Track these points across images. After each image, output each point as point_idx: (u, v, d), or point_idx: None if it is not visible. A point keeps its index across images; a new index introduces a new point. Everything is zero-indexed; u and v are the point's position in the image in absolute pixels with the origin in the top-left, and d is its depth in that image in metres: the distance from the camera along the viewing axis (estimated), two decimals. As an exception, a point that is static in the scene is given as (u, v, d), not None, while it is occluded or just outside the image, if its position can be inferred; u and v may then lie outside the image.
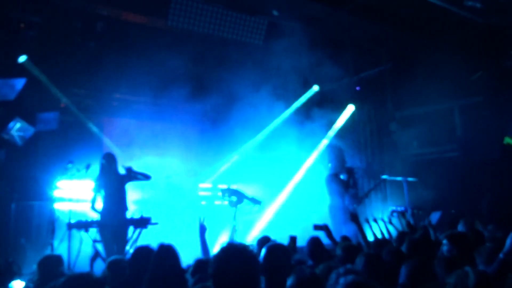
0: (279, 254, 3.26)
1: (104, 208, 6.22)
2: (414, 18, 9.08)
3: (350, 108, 10.50)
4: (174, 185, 8.75)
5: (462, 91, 9.22)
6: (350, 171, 8.16)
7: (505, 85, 8.48)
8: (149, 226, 6.59)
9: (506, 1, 7.25)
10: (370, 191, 8.66)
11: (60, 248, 6.29)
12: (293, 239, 5.07)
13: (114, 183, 6.32)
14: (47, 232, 6.38)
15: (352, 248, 4.13)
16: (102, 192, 6.28)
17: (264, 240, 5.10)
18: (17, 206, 7.07)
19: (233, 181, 8.94)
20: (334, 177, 8.25)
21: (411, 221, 6.91)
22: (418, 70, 9.86)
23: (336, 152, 8.43)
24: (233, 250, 2.30)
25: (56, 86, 7.64)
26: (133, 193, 7.39)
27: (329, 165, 8.33)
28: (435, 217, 8.14)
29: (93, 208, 6.22)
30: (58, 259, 4.07)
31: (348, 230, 7.05)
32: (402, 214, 6.96)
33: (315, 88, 10.37)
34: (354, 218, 5.77)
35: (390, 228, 6.52)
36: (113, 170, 6.37)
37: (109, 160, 6.39)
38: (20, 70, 7.09)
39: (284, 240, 5.16)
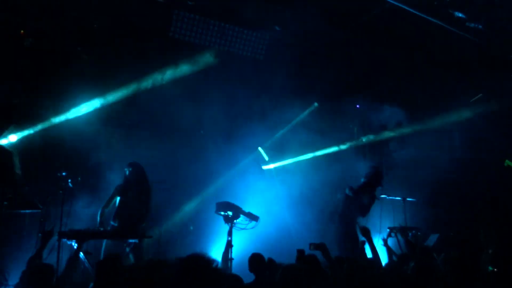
0: (295, 276, 3.19)
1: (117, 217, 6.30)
2: (415, 38, 9.13)
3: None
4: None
5: (462, 113, 9.20)
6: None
7: (506, 108, 8.46)
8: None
9: (506, 23, 7.28)
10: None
11: (49, 258, 6.13)
12: (300, 251, 4.95)
13: (131, 193, 6.40)
14: (36, 241, 6.23)
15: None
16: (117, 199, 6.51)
17: (255, 257, 4.99)
18: (7, 214, 6.93)
19: (229, 196, 8.83)
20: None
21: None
22: (418, 91, 9.87)
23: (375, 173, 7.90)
24: (194, 259, 2.43)
25: (47, 94, 7.59)
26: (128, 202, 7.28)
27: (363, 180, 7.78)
28: (433, 238, 8.03)
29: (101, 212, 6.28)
30: (48, 269, 3.96)
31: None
32: (401, 233, 6.87)
33: (315, 104, 10.35)
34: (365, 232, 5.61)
35: (383, 249, 6.42)
36: (134, 180, 6.60)
37: (134, 170, 6.67)
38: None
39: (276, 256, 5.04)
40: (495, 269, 4.07)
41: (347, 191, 7.64)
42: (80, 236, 5.69)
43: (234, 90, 8.61)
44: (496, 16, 7.26)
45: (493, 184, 8.44)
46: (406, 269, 4.15)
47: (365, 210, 7.67)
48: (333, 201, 8.01)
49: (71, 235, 5.72)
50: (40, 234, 5.81)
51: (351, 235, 7.31)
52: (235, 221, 7.33)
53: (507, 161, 8.01)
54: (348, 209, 7.58)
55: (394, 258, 6.04)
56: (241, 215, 7.40)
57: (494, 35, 8.00)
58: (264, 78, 8.76)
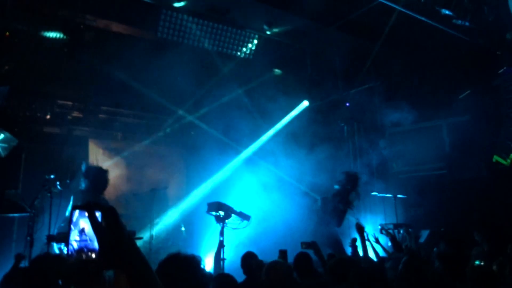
0: (280, 272, 3.17)
1: None
2: (403, 36, 9.17)
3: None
4: (160, 199, 8.58)
5: (451, 109, 9.26)
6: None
7: (493, 104, 8.52)
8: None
9: (494, 21, 7.33)
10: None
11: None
12: (282, 252, 4.92)
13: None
14: (25, 245, 6.15)
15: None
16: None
17: (248, 256, 4.98)
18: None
19: (221, 195, 8.80)
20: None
21: (399, 239, 6.85)
22: (406, 88, 9.92)
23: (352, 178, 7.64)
24: (177, 259, 2.24)
25: (41, 96, 7.51)
26: (117, 207, 7.20)
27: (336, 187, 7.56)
28: (424, 234, 8.07)
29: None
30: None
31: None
32: (391, 230, 6.89)
33: (305, 103, 10.35)
34: (360, 229, 5.60)
35: (377, 246, 6.45)
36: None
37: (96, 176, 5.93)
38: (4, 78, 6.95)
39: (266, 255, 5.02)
40: (482, 263, 4.10)
41: (319, 203, 7.59)
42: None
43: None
44: (482, 12, 7.32)
45: (483, 181, 8.49)
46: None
47: (339, 218, 7.55)
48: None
49: (60, 238, 5.63)
50: (28, 238, 5.74)
51: (332, 241, 7.21)
52: (226, 221, 7.30)
53: (495, 156, 8.05)
54: (323, 219, 7.51)
55: (385, 255, 6.07)
56: (233, 215, 7.38)
57: (481, 32, 8.08)
58: (251, 75, 8.76)
